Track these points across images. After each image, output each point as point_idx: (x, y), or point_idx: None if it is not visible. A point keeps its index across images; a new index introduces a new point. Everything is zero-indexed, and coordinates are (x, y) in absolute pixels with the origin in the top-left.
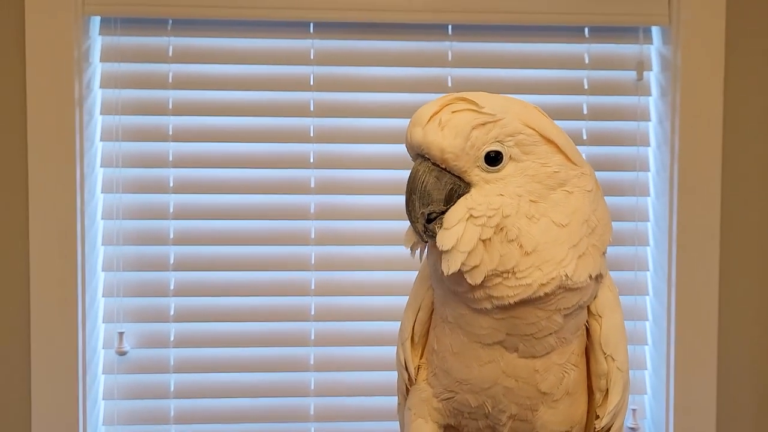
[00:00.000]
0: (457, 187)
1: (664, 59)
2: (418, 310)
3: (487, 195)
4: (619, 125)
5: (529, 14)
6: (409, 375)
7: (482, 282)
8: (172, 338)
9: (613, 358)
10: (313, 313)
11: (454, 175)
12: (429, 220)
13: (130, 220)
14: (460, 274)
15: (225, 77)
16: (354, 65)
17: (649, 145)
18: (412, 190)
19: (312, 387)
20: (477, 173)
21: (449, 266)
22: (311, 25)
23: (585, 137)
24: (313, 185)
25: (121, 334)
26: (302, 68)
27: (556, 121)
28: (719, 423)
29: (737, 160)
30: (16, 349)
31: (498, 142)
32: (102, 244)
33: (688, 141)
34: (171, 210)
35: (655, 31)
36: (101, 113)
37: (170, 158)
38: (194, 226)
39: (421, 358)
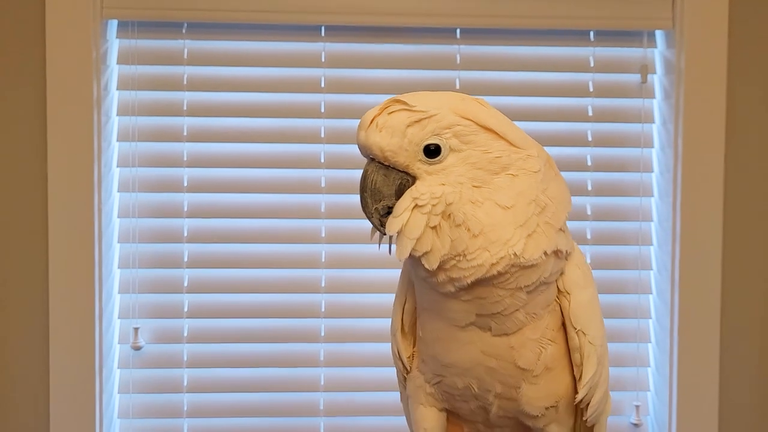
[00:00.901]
0: (405, 181)
1: (668, 62)
2: (405, 302)
3: (429, 185)
4: (623, 127)
5: (535, 18)
6: (403, 364)
7: (440, 266)
8: (185, 334)
9: (584, 333)
10: (323, 309)
11: (400, 171)
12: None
13: (146, 219)
14: (419, 260)
15: (238, 79)
16: (364, 68)
17: (652, 147)
18: (363, 188)
19: (322, 382)
20: (419, 166)
21: (400, 252)
22: (322, 28)
23: (590, 139)
24: (323, 185)
25: (136, 329)
26: (313, 71)
27: (561, 123)
28: (721, 420)
29: (739, 161)
30: (35, 344)
31: (436, 135)
32: (118, 242)
33: (691, 142)
34: (185, 209)
35: (659, 34)
36: (118, 114)
37: (185, 158)
38: (207, 224)
39: (414, 347)
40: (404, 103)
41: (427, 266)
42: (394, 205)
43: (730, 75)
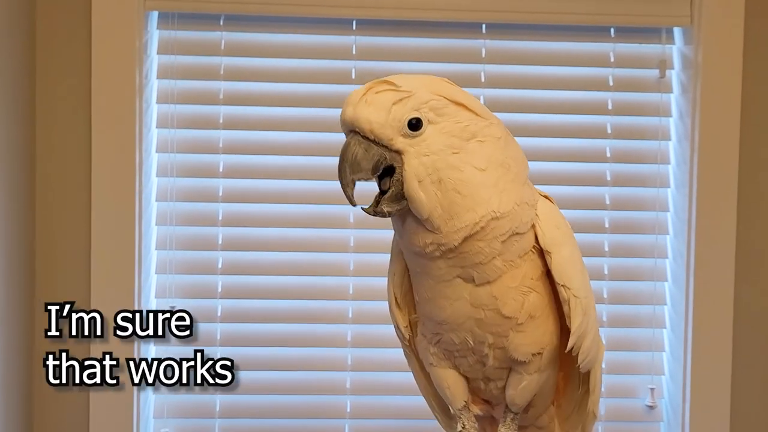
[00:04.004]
0: (383, 158)
1: (686, 58)
2: (394, 276)
3: (417, 157)
4: (641, 120)
5: (558, 14)
6: (402, 334)
7: (432, 233)
8: (219, 314)
9: (568, 287)
10: (351, 292)
11: (381, 146)
12: (382, 192)
13: (182, 203)
14: (414, 227)
15: (273, 70)
16: (393, 60)
17: (669, 140)
18: (343, 158)
19: (349, 362)
20: (401, 140)
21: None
22: (354, 22)
23: (609, 131)
24: None
25: (172, 308)
26: (345, 63)
27: (581, 116)
28: (734, 402)
29: (754, 153)
30: None
31: (415, 110)
32: (156, 225)
33: (707, 136)
34: (220, 194)
35: (677, 31)
36: (157, 102)
37: (220, 145)
38: (242, 209)
39: (414, 314)
40: (391, 83)
41: (431, 228)
42: (369, 180)
43: (746, 71)
